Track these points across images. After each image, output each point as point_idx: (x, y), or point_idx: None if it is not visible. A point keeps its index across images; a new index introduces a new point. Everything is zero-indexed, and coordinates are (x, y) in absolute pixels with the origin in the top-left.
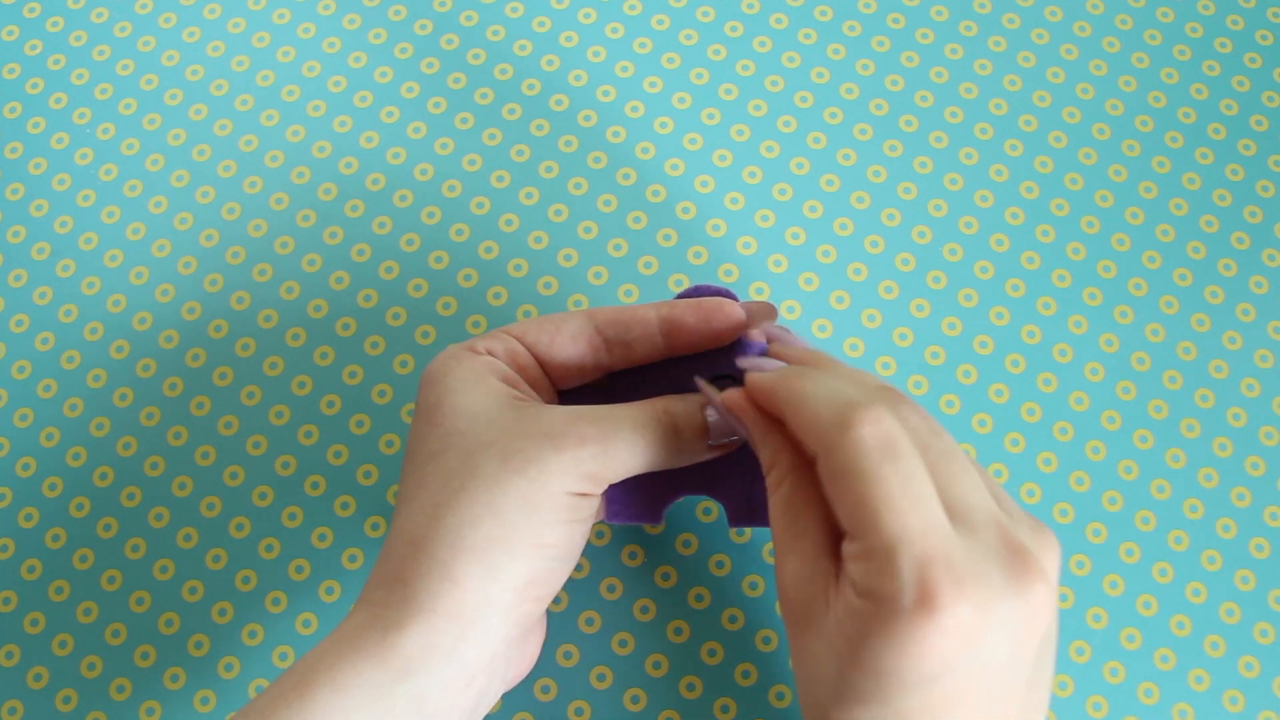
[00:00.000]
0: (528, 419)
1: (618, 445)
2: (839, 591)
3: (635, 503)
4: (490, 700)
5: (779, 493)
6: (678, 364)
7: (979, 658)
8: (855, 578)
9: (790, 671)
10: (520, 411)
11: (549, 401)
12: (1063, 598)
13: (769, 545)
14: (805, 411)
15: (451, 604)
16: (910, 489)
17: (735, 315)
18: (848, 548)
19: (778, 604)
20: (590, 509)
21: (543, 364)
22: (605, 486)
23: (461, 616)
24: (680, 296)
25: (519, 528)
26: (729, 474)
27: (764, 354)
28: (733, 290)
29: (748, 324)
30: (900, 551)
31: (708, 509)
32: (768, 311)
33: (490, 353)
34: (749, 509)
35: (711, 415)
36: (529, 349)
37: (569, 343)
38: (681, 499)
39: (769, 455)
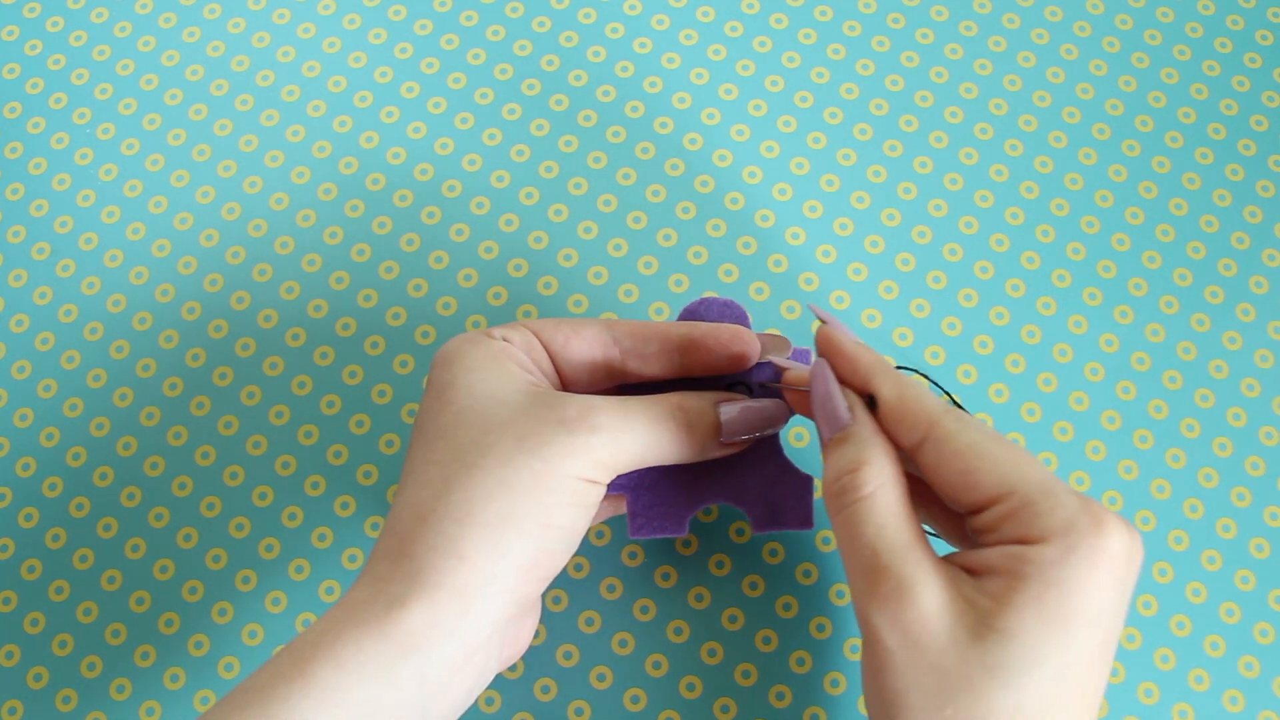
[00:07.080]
0: (543, 403)
1: (629, 436)
2: (964, 573)
3: (658, 515)
4: (488, 678)
5: (888, 497)
6: (688, 384)
7: (1126, 591)
8: (1009, 532)
9: (789, 671)
10: (536, 396)
11: None
12: None
13: (769, 545)
14: (912, 400)
15: (457, 580)
16: (1029, 454)
17: (753, 347)
18: (989, 513)
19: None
20: (596, 496)
21: (556, 363)
22: (614, 475)
23: (466, 593)
24: (686, 309)
25: (529, 506)
26: (752, 481)
27: (776, 378)
28: (739, 303)
29: (762, 355)
30: (1059, 488)
31: (707, 509)
32: (781, 345)
33: (506, 340)
34: (771, 514)
35: (724, 413)
36: (544, 345)
37: (585, 346)
38: (704, 508)
39: (878, 456)
